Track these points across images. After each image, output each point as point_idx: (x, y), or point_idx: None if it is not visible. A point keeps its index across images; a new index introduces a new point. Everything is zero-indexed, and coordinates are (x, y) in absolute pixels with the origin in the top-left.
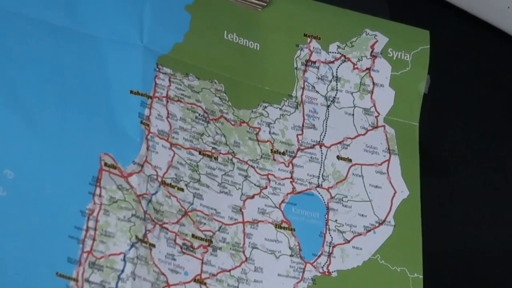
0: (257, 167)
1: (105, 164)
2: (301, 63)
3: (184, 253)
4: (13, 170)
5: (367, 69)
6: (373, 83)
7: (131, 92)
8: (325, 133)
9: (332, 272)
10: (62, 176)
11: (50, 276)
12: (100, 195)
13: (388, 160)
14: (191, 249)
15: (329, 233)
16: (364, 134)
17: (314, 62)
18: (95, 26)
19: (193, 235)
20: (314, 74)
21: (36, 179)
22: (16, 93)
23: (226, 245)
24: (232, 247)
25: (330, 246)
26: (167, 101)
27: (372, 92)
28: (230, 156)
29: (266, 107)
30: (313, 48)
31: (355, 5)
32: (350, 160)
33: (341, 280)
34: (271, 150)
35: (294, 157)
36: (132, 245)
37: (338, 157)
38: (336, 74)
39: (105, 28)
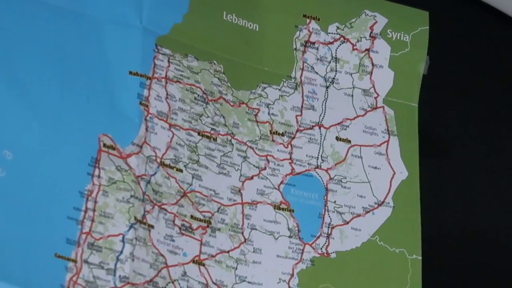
0: (256, 148)
1: (104, 145)
2: (300, 44)
3: (183, 234)
4: (12, 151)
5: (366, 50)
6: (372, 64)
7: (130, 73)
8: (324, 114)
9: (331, 253)
10: (61, 157)
11: (49, 257)
12: (99, 176)
13: (387, 141)
14: (190, 230)
15: (328, 214)
16: (363, 115)
17: (313, 43)
18: (94, 7)
19: (192, 216)
20: (313, 55)
21: (35, 160)
22: (15, 73)
23: (225, 226)
24: (231, 228)
25: (329, 227)
26: (166, 82)
27: (371, 73)
28: (229, 137)
29: (265, 88)
30: (312, 29)
31: None
32: (349, 141)
33: (340, 261)
34: (270, 131)
35: (293, 138)
36: (131, 226)
37: (337, 138)
38: (335, 55)
39: (105, 9)
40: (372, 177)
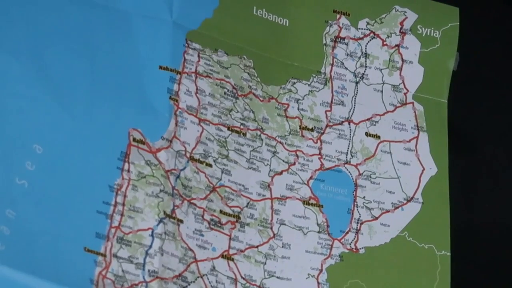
0: (285, 143)
1: (134, 140)
2: (330, 39)
3: (212, 229)
4: (42, 145)
5: (396, 45)
6: (402, 60)
7: (160, 67)
8: (353, 110)
9: (360, 248)
10: (90, 151)
11: (79, 251)
12: (128, 171)
13: (417, 137)
14: (219, 225)
15: (357, 209)
16: (392, 111)
17: (343, 39)
18: (125, 1)
19: (221, 211)
20: (343, 50)
21: (64, 154)
22: (46, 68)
23: (254, 221)
24: (260, 223)
25: (358, 222)
26: (196, 77)
27: (401, 68)
28: (259, 132)
29: (294, 83)
30: (342, 24)
31: None
32: (378, 137)
33: (368, 257)
34: (300, 126)
35: (323, 133)
36: (160, 221)
37: (367, 134)
38: (365, 51)
39: (135, 3)
40: (402, 173)
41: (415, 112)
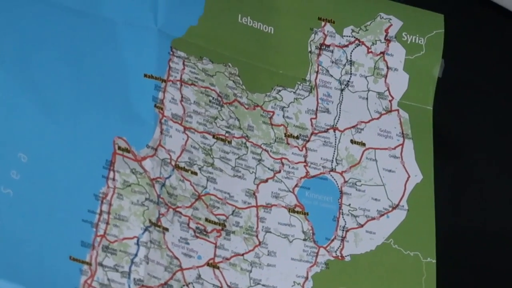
0: (270, 151)
1: (119, 148)
2: (315, 46)
3: (197, 237)
4: (27, 154)
5: (381, 53)
6: (387, 67)
7: (145, 75)
8: (339, 117)
9: (345, 256)
10: (75, 159)
11: (64, 259)
12: (113, 179)
13: (402, 144)
14: (205, 233)
15: (343, 217)
16: (378, 118)
17: (328, 46)
18: (110, 9)
19: (206, 219)
20: (328, 57)
21: (50, 163)
22: (31, 76)
23: (240, 229)
24: (245, 231)
25: (343, 230)
26: (181, 85)
27: (386, 76)
28: (244, 140)
29: (280, 90)
30: (327, 31)
31: None
32: (363, 144)
33: (354, 264)
34: (285, 134)
35: (308, 141)
36: (146, 229)
37: (352, 141)
38: (350, 58)
39: (120, 11)
40: (387, 180)
41: (400, 119)
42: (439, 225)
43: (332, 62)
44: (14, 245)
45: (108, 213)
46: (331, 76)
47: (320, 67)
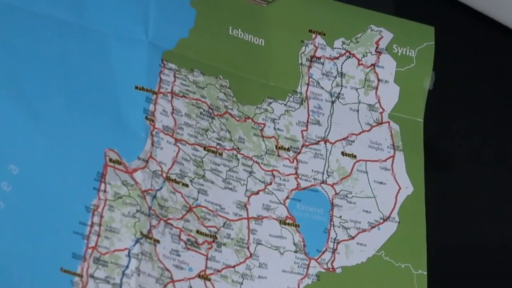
0: (261, 163)
1: (110, 160)
2: (306, 59)
3: (188, 249)
4: (18, 165)
5: (372, 65)
6: (378, 79)
7: (136, 87)
8: (329, 129)
9: (337, 268)
10: (67, 171)
11: (55, 271)
12: (105, 191)
13: (393, 156)
14: (196, 245)
15: (334, 229)
16: (368, 130)
17: (319, 58)
18: (100, 22)
19: (197, 231)
20: (319, 70)
21: (41, 175)
22: (22, 88)
23: (231, 241)
24: (236, 243)
25: (334, 242)
26: (172, 97)
27: (377, 88)
28: (235, 152)
29: (271, 103)
30: (318, 44)
31: (360, 1)
32: (354, 156)
33: (345, 276)
34: (276, 146)
35: (299, 153)
36: (137, 241)
37: (343, 153)
38: (341, 70)
39: (111, 24)
40: (378, 192)
41: (391, 131)
42: (430, 237)
43: (323, 74)
44: (5, 257)
45: (99, 225)
46: (322, 88)
47: (311, 79)
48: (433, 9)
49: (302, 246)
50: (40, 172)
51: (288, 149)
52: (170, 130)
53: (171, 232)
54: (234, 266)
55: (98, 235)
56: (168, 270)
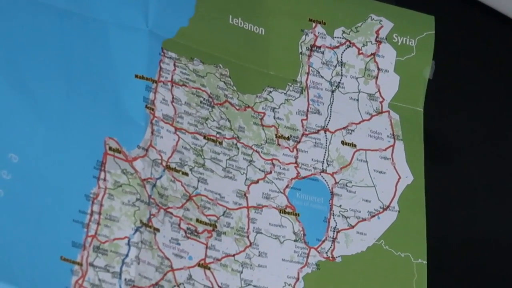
0: (261, 152)
1: (110, 148)
2: (306, 48)
3: (188, 237)
4: (18, 154)
5: (372, 54)
6: (378, 69)
7: (136, 76)
8: (329, 118)
9: (336, 257)
10: (66, 160)
11: (55, 260)
12: (104, 179)
13: (393, 146)
14: (196, 233)
15: (334, 218)
16: (368, 120)
17: (319, 47)
18: (100, 10)
19: (197, 220)
20: (319, 59)
21: (40, 163)
22: (21, 77)
23: (231, 230)
24: (236, 232)
25: (334, 231)
26: (172, 86)
27: (377, 77)
28: (235, 141)
29: (270, 92)
30: (318, 33)
31: None
32: (354, 146)
33: (345, 265)
34: (276, 135)
35: (299, 142)
36: (137, 230)
37: (343, 142)
38: (341, 59)
39: (111, 12)
40: (378, 181)
41: (391, 120)
42: (430, 226)
43: (323, 64)
44: (5, 246)
45: (99, 213)
46: (322, 77)
47: (311, 68)
48: None
49: (302, 235)
50: (40, 160)
51: (288, 138)
52: (170, 119)
53: (171, 221)
54: (234, 255)
55: (98, 224)
56: (168, 258)
